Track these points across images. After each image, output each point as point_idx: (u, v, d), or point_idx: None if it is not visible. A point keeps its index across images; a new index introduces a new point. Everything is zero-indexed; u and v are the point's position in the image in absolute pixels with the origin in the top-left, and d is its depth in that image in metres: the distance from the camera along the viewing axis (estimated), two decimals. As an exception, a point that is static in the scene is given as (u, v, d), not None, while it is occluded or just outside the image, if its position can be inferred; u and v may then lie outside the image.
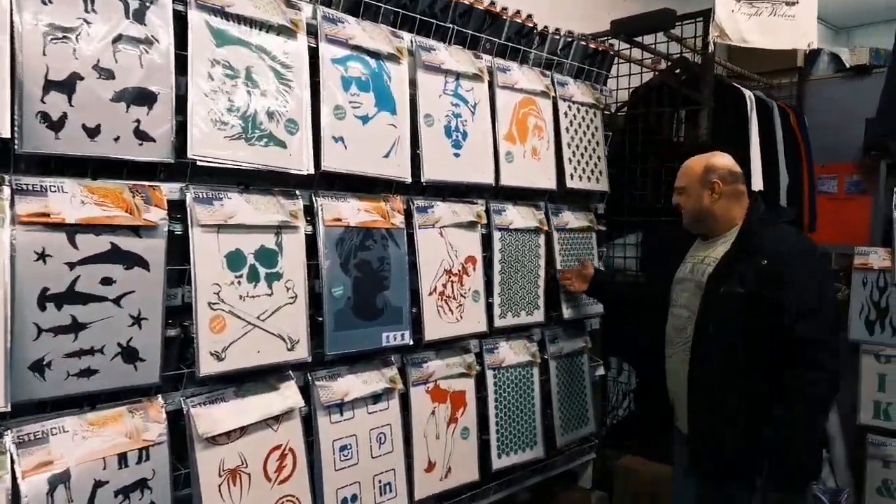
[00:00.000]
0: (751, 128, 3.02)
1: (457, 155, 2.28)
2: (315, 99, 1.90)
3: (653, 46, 3.15)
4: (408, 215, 2.18)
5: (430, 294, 2.21)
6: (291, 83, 1.83)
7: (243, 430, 1.76)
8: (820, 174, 3.73)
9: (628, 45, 3.10)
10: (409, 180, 2.12)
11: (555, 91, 2.69)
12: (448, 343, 2.33)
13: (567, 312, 2.75)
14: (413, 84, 2.17)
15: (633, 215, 3.14)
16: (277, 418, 1.83)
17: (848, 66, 3.59)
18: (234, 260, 1.72)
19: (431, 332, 2.20)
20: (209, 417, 1.69)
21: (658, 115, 3.02)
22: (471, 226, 2.37)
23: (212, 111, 1.67)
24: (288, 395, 1.86)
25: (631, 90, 3.19)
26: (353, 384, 2.03)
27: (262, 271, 1.78)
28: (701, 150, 2.80)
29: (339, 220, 1.96)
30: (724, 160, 2.09)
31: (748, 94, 3.05)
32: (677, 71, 2.99)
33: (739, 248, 1.99)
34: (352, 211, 2.00)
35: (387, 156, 2.05)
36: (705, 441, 2.01)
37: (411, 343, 2.15)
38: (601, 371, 3.04)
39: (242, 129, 1.72)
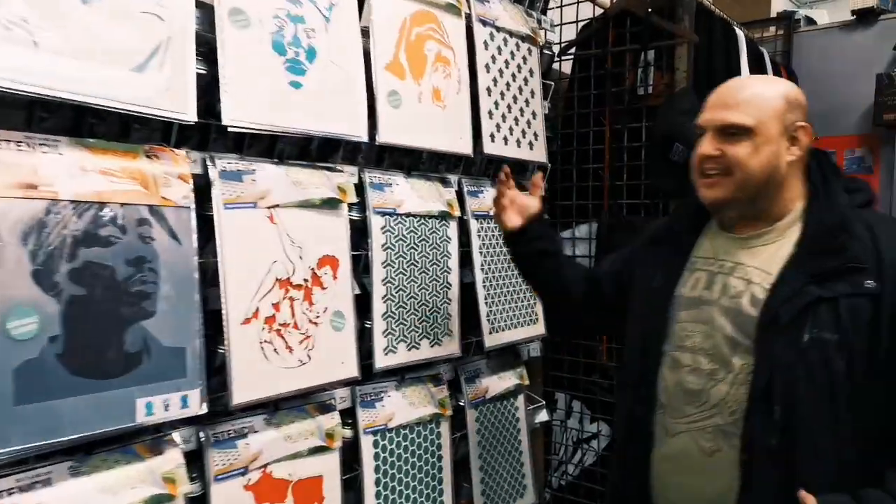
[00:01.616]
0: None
1: (296, 85, 1.36)
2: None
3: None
4: (203, 185, 1.24)
5: (246, 322, 1.28)
6: None
7: None
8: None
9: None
10: (193, 119, 1.18)
11: (469, 7, 1.80)
12: (289, 400, 1.41)
13: (490, 338, 1.86)
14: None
15: (583, 198, 2.28)
16: None
17: (850, 11, 2.83)
18: None
19: (246, 389, 1.27)
20: None
21: (618, 57, 2.17)
22: (329, 206, 1.45)
23: None
24: None
25: (581, 25, 2.32)
26: (80, 497, 1.08)
27: None
28: (675, 102, 1.98)
29: (31, 186, 1.01)
30: (803, 94, 1.21)
31: (739, 31, 2.24)
32: (644, -4, 2.15)
33: (814, 255, 1.13)
34: (68, 170, 1.05)
35: (141, 69, 1.11)
36: None
37: (205, 411, 1.21)
38: (543, 416, 2.17)
39: None
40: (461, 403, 1.84)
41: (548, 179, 2.19)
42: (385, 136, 1.54)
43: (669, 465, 1.22)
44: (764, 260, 1.18)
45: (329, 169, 1.48)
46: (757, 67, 2.34)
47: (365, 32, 1.52)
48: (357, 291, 1.53)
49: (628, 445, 1.31)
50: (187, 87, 1.16)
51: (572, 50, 2.27)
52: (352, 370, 1.47)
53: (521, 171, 2.11)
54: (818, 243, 1.14)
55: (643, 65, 2.15)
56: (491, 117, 1.86)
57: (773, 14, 3.25)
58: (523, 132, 1.97)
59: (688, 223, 1.33)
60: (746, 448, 1.12)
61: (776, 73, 2.57)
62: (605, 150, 2.18)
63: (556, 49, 2.27)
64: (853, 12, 2.80)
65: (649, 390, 1.25)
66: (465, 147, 1.76)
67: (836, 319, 1.08)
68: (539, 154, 2.03)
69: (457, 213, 1.77)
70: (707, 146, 1.19)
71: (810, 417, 1.08)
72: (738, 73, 2.15)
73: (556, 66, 2.34)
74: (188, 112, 1.16)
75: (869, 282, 1.08)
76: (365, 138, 1.48)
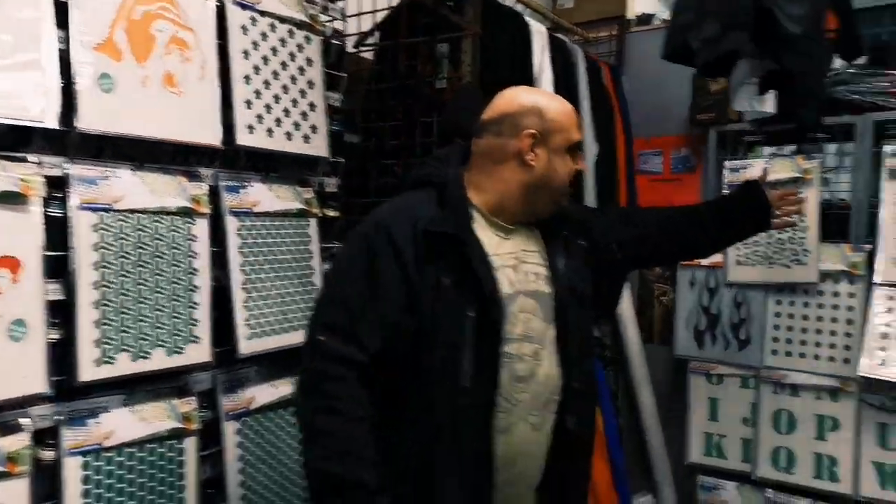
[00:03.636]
0: (541, 73, 2.16)
1: (-56, 62, 1.19)
2: None
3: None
4: None
5: None
6: None
7: None
8: (642, 149, 2.99)
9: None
10: None
11: (218, -13, 1.67)
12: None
13: (248, 344, 1.74)
14: None
15: (383, 196, 2.18)
16: None
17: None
18: None
19: None
20: None
21: (410, 50, 2.08)
22: (7, 201, 1.28)
23: None
24: None
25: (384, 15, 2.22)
26: None
27: None
28: (457, 98, 1.91)
29: None
30: None
31: (534, 25, 2.19)
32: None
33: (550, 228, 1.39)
34: None
35: None
36: None
37: None
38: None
39: None
40: (217, 416, 1.71)
41: (345, 175, 2.09)
42: (87, 123, 1.38)
43: (508, 457, 1.27)
44: (533, 243, 1.36)
45: (16, 159, 1.31)
46: (563, 65, 2.31)
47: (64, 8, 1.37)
48: (55, 297, 1.37)
49: (460, 456, 1.25)
50: None
51: (371, 40, 2.17)
52: (37, 385, 1.31)
53: (308, 165, 2.00)
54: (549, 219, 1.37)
55: (439, 57, 2.08)
56: (250, 107, 1.73)
57: (639, 12, 3.21)
58: (296, 124, 1.85)
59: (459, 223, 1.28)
60: (562, 406, 1.31)
61: (594, 71, 2.55)
62: (400, 147, 2.09)
63: (351, 40, 2.16)
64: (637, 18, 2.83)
65: (487, 394, 1.26)
66: (209, 138, 1.62)
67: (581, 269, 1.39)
68: (318, 148, 1.92)
69: (205, 209, 1.64)
70: (581, 163, 1.39)
71: (587, 346, 1.42)
72: (529, 68, 2.10)
73: (362, 56, 2.24)
74: None
75: (581, 241, 1.40)
76: (51, 124, 1.32)
